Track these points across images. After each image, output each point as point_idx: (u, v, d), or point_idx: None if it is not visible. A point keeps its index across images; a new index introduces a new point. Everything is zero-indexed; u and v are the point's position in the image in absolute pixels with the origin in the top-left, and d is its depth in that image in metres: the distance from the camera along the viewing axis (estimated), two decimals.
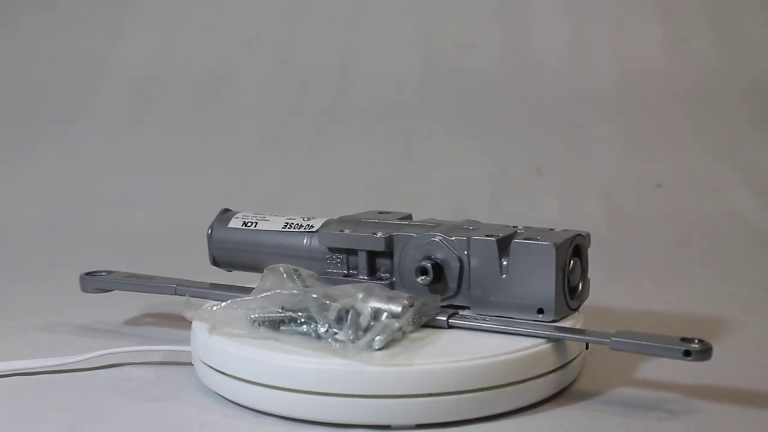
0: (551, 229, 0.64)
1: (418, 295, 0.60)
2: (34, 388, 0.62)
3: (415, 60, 1.30)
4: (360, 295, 0.58)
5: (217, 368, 0.59)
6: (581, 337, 0.59)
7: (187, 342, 0.63)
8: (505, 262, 0.61)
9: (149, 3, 1.33)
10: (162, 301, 0.77)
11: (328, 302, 0.57)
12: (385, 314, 0.57)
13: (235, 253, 0.71)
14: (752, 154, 1.22)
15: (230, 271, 0.73)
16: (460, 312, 0.62)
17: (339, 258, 0.66)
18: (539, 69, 1.29)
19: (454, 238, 0.62)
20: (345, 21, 1.31)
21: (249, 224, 0.71)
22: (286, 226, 0.69)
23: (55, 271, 0.96)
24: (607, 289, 0.87)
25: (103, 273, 0.73)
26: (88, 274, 0.73)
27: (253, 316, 0.58)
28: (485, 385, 0.55)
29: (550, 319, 0.60)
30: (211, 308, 0.59)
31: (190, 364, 0.63)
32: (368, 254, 0.65)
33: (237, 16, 1.32)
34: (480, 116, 1.26)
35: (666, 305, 0.82)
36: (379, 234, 0.64)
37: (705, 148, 1.22)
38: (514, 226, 0.64)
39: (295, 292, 0.58)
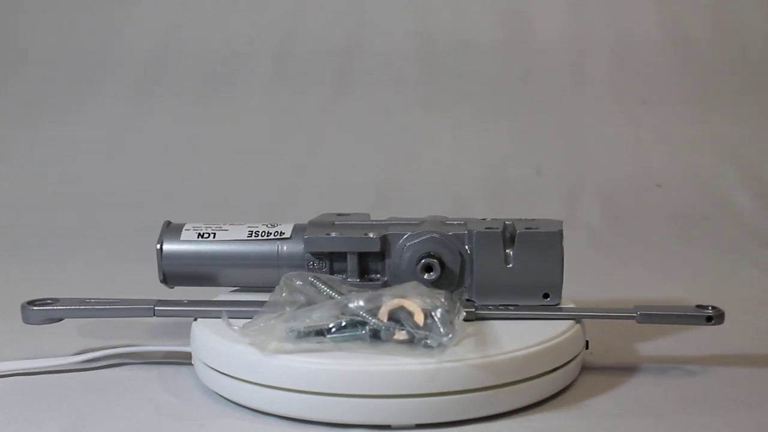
0: (530, 219, 0.66)
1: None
2: (34, 388, 0.62)
3: (414, 59, 1.29)
4: (400, 295, 0.57)
5: (217, 368, 0.59)
6: (607, 314, 0.63)
7: (187, 342, 0.63)
8: (510, 252, 0.62)
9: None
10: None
11: (376, 304, 0.56)
12: (439, 311, 0.56)
13: (193, 268, 0.66)
14: (752, 153, 1.22)
15: (172, 287, 0.68)
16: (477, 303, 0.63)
17: (322, 263, 0.65)
18: (540, 68, 1.29)
19: (451, 233, 0.63)
20: (344, 20, 1.31)
21: (205, 235, 0.66)
22: (251, 234, 0.66)
23: (53, 271, 0.96)
24: (606, 288, 0.87)
25: (49, 300, 0.65)
26: (30, 303, 0.65)
27: (300, 328, 0.56)
28: (485, 385, 0.55)
29: (556, 302, 0.63)
30: (260, 324, 0.56)
31: (190, 364, 0.63)
32: (359, 256, 0.64)
33: (238, 13, 1.32)
34: (480, 116, 1.26)
35: (666, 304, 0.82)
36: (371, 234, 0.64)
37: (705, 148, 1.22)
38: (483, 219, 0.66)
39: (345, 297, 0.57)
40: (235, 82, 1.29)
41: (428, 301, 0.56)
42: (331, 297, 0.58)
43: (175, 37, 1.31)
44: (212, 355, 0.59)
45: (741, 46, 1.28)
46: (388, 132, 1.25)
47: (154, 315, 0.63)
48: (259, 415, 0.57)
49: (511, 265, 0.63)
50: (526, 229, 0.63)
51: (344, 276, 0.64)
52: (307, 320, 0.56)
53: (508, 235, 0.63)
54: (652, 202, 1.15)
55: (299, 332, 0.56)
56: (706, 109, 1.25)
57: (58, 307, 0.65)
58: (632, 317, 0.62)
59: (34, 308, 0.64)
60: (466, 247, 0.63)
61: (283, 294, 0.58)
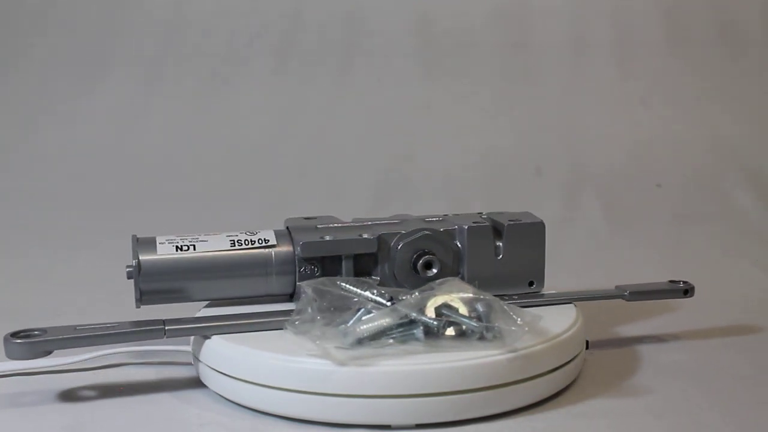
0: (501, 212, 0.69)
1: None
2: (34, 388, 0.62)
3: (413, 58, 1.30)
4: (441, 292, 0.58)
5: (217, 368, 0.59)
6: (598, 296, 0.68)
7: (187, 342, 0.63)
8: (499, 244, 0.65)
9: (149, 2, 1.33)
10: None
11: (423, 303, 0.57)
12: (479, 304, 0.57)
13: (175, 283, 0.62)
14: (752, 153, 1.22)
15: (139, 306, 0.63)
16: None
17: (315, 267, 0.64)
18: (539, 67, 1.29)
19: (442, 229, 0.65)
20: (343, 22, 1.32)
21: (184, 248, 0.62)
22: (234, 243, 0.63)
23: (53, 271, 0.96)
24: (606, 287, 0.87)
25: (36, 331, 0.58)
26: (14, 335, 0.57)
27: (361, 335, 0.55)
28: (485, 385, 0.55)
29: (540, 289, 0.67)
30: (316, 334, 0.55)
31: (190, 364, 0.63)
32: (354, 258, 0.64)
33: (238, 13, 1.32)
34: (480, 116, 1.26)
35: (665, 305, 0.82)
36: (366, 235, 0.64)
37: (705, 148, 1.22)
38: (445, 214, 0.69)
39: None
40: (235, 81, 1.29)
41: (468, 295, 0.57)
42: (373, 300, 0.58)
43: (175, 36, 1.31)
44: (212, 355, 0.59)
45: (743, 47, 1.29)
46: (386, 132, 1.25)
47: (165, 336, 0.59)
48: (259, 415, 0.57)
49: (500, 257, 0.65)
50: (510, 221, 0.66)
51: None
52: (365, 325, 0.55)
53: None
54: (652, 202, 1.15)
55: (359, 338, 0.55)
56: (706, 109, 1.25)
57: (47, 338, 0.57)
58: (622, 297, 0.68)
59: (18, 341, 0.56)
60: (456, 241, 0.65)
61: (315, 302, 0.57)
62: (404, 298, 0.57)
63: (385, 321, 0.55)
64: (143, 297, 0.62)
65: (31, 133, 1.27)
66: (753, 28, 1.29)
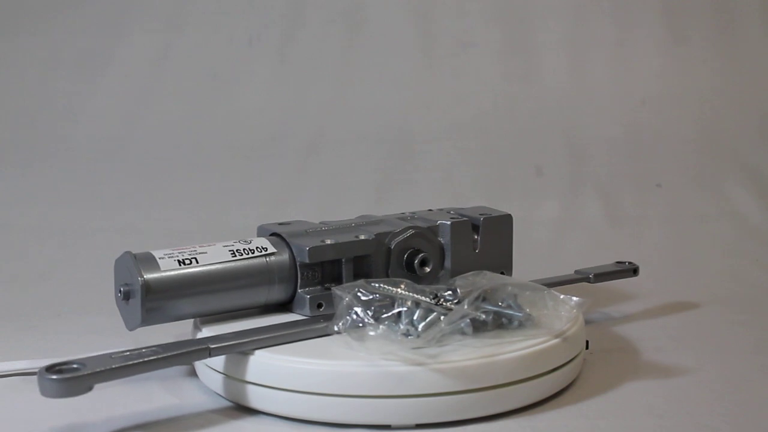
0: (462, 207, 0.72)
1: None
2: (34, 388, 0.62)
3: (415, 61, 1.30)
4: (469, 285, 0.59)
5: (217, 369, 0.59)
6: (565, 281, 0.72)
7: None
8: (476, 238, 0.69)
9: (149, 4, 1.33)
10: None
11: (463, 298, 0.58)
12: (505, 294, 0.59)
13: (179, 300, 0.59)
14: (752, 153, 1.22)
15: (131, 329, 0.60)
16: None
17: (315, 272, 0.63)
18: (540, 68, 1.29)
19: (426, 226, 0.67)
20: (344, 24, 1.32)
21: (186, 261, 0.60)
22: (234, 254, 0.61)
23: (53, 270, 0.96)
24: (607, 288, 0.87)
25: (75, 365, 0.52)
26: (49, 369, 0.51)
27: (431, 336, 0.55)
28: (485, 385, 0.55)
29: None
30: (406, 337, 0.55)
31: (190, 364, 0.63)
32: (354, 259, 0.64)
33: (237, 15, 1.32)
34: (480, 116, 1.26)
35: (666, 305, 0.82)
36: (362, 237, 0.64)
37: (705, 148, 1.22)
38: (403, 213, 0.71)
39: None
40: (233, 83, 1.29)
41: (494, 286, 0.59)
42: (418, 299, 0.58)
43: (174, 36, 1.31)
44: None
45: (743, 46, 1.29)
46: (385, 133, 1.25)
47: (210, 356, 0.56)
48: (259, 415, 0.57)
49: (477, 250, 0.69)
50: (482, 215, 0.69)
51: (334, 282, 0.63)
52: (425, 324, 0.56)
53: None
54: (652, 202, 1.15)
55: (428, 339, 0.55)
56: (707, 109, 1.25)
57: (88, 372, 0.51)
58: (587, 280, 0.73)
59: (55, 377, 0.50)
60: (440, 238, 0.67)
61: (358, 306, 0.56)
62: (449, 294, 0.59)
63: (444, 319, 0.56)
64: (148, 317, 0.59)
65: (30, 132, 1.27)
66: (754, 28, 1.29)
